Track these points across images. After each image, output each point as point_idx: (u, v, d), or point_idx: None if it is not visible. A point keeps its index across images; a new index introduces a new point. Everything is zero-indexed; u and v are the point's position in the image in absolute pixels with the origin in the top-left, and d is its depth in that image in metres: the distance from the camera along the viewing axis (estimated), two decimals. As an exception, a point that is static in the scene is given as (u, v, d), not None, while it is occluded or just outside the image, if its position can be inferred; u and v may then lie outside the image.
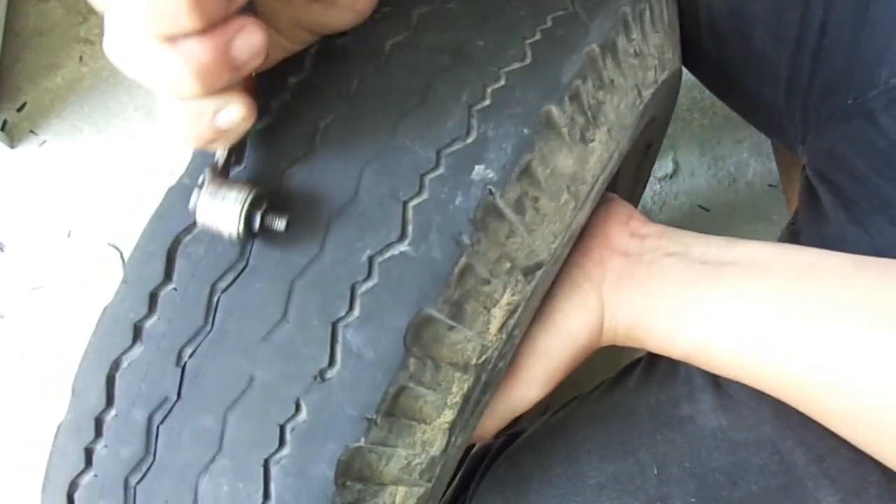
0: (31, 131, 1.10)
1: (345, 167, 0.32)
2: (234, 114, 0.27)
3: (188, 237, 0.32)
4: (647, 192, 1.04)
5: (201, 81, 0.25)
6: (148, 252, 0.33)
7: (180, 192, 0.33)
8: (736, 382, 0.40)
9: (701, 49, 0.52)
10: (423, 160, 0.31)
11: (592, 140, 0.36)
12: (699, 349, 0.39)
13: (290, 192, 0.32)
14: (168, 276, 0.32)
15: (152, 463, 0.31)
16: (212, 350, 0.31)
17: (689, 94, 1.06)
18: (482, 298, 0.32)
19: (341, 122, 0.33)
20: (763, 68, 0.51)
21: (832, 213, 0.50)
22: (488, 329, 0.33)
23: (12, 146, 1.08)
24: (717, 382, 0.45)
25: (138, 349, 0.32)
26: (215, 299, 0.31)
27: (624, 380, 0.50)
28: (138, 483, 0.31)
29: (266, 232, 0.30)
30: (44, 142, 1.09)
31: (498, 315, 0.33)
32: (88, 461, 0.32)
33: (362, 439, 0.30)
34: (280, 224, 0.30)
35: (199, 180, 0.30)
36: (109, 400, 0.32)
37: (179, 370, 0.31)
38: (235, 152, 0.32)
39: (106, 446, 0.32)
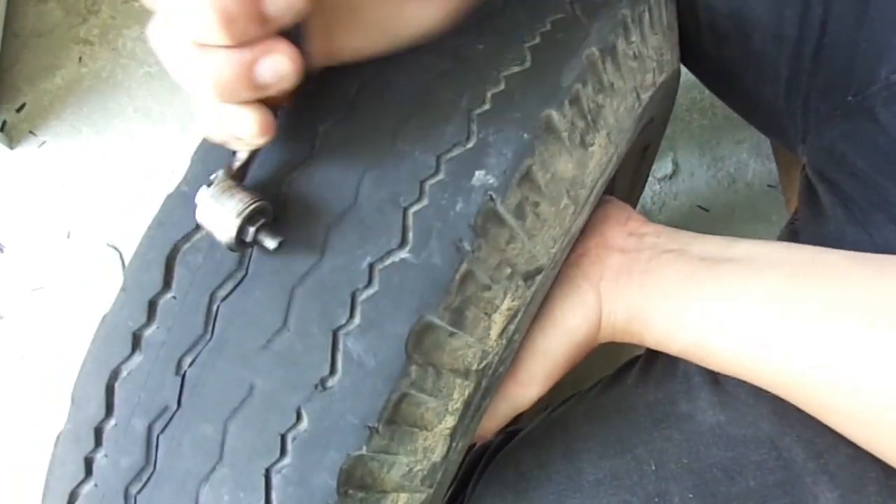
0: (31, 132, 1.09)
1: (344, 173, 0.32)
2: (250, 127, 0.28)
3: (187, 245, 0.32)
4: (647, 193, 1.03)
5: (219, 92, 0.26)
6: (147, 260, 0.33)
7: (179, 200, 0.33)
8: (734, 379, 0.40)
9: (701, 49, 0.52)
10: (423, 166, 0.31)
11: (592, 144, 0.36)
12: (698, 346, 0.39)
13: (290, 198, 0.31)
14: (167, 284, 0.32)
15: (152, 472, 0.31)
16: (212, 359, 0.31)
17: (688, 94, 1.06)
18: (483, 304, 0.32)
19: (341, 128, 0.33)
20: (763, 67, 0.51)
21: (831, 211, 0.50)
22: (489, 335, 0.33)
23: (11, 147, 1.08)
24: (715, 379, 0.45)
25: (137, 358, 0.32)
26: (215, 308, 0.31)
27: (622, 377, 0.50)
28: (138, 493, 0.31)
29: (258, 246, 0.30)
30: (43, 142, 1.09)
31: (498, 321, 0.33)
32: (88, 471, 0.32)
33: (364, 447, 0.30)
34: (271, 244, 0.30)
35: (212, 176, 0.30)
36: (109, 409, 0.32)
37: (179, 379, 0.31)
38: (255, 158, 0.32)
39: (106, 456, 0.32)
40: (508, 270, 0.33)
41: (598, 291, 0.41)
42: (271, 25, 0.25)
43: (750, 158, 1.04)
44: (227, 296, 0.31)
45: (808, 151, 0.54)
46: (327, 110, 0.33)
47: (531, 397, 0.42)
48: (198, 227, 0.32)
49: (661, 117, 0.60)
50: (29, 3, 1.15)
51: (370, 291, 0.30)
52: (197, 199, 0.30)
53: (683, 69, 0.54)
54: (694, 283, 0.39)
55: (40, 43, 1.13)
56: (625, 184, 0.70)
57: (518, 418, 0.45)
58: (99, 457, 0.32)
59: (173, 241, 0.32)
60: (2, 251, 1.04)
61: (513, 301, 0.33)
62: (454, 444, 0.34)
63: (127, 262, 1.02)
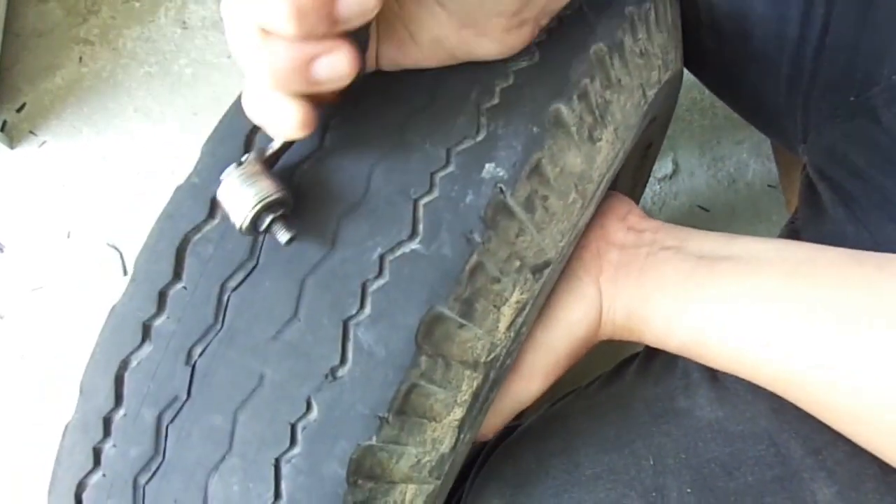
0: (31, 132, 1.09)
1: (355, 165, 0.32)
2: (292, 119, 0.28)
3: (197, 236, 0.32)
4: (647, 193, 1.04)
5: (274, 80, 0.27)
6: (157, 251, 0.33)
7: (189, 191, 0.33)
8: (733, 376, 0.40)
9: (702, 48, 0.52)
10: (434, 158, 0.31)
11: (600, 139, 0.36)
12: (698, 345, 0.39)
13: (301, 189, 0.32)
14: (177, 274, 0.32)
15: (161, 462, 0.31)
16: (222, 349, 0.31)
17: (688, 94, 1.06)
18: (492, 297, 0.32)
19: (351, 120, 0.33)
20: (764, 67, 0.51)
21: (832, 210, 0.50)
22: (497, 327, 0.33)
23: (12, 147, 1.08)
24: (714, 376, 0.45)
25: (147, 348, 0.32)
26: (225, 298, 0.31)
27: (621, 373, 0.50)
28: (147, 483, 0.31)
29: (269, 236, 0.30)
30: (43, 142, 1.09)
31: (507, 313, 0.33)
32: (97, 461, 0.32)
33: (374, 437, 0.30)
34: (284, 237, 0.30)
35: (243, 157, 0.30)
36: (118, 399, 0.32)
37: (189, 369, 0.31)
38: (288, 148, 0.32)
39: (115, 446, 0.32)
40: (518, 263, 0.33)
41: (598, 285, 0.42)
42: (339, 27, 0.26)
43: (750, 158, 1.04)
44: (237, 286, 0.31)
45: (808, 151, 0.54)
46: (337, 103, 0.33)
47: (533, 392, 0.42)
48: (208, 218, 0.32)
49: (663, 116, 0.61)
50: (29, 3, 1.15)
51: (381, 282, 0.30)
52: (223, 177, 0.30)
53: (684, 70, 0.54)
54: (693, 282, 0.39)
55: (40, 43, 1.13)
56: (627, 182, 0.70)
57: (519, 417, 0.45)
58: (107, 447, 0.32)
59: (183, 232, 0.32)
60: (2, 251, 1.04)
61: (521, 294, 0.34)
62: (462, 436, 0.34)
63: (127, 262, 1.03)
